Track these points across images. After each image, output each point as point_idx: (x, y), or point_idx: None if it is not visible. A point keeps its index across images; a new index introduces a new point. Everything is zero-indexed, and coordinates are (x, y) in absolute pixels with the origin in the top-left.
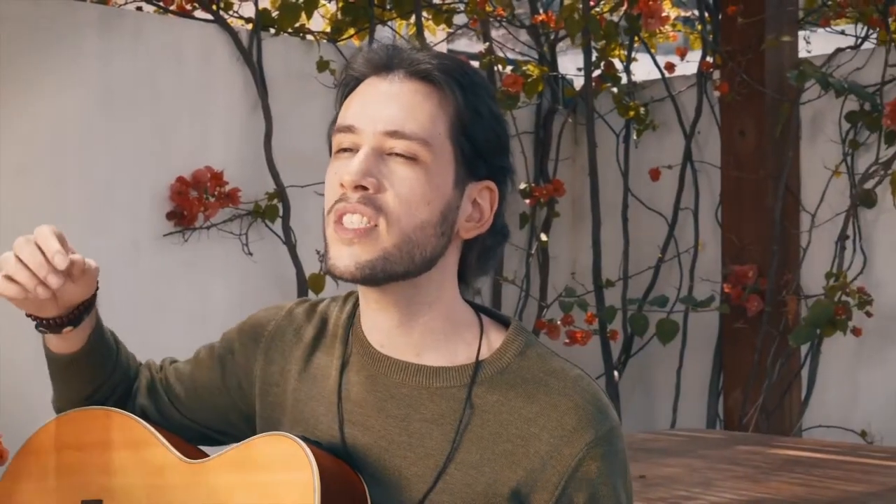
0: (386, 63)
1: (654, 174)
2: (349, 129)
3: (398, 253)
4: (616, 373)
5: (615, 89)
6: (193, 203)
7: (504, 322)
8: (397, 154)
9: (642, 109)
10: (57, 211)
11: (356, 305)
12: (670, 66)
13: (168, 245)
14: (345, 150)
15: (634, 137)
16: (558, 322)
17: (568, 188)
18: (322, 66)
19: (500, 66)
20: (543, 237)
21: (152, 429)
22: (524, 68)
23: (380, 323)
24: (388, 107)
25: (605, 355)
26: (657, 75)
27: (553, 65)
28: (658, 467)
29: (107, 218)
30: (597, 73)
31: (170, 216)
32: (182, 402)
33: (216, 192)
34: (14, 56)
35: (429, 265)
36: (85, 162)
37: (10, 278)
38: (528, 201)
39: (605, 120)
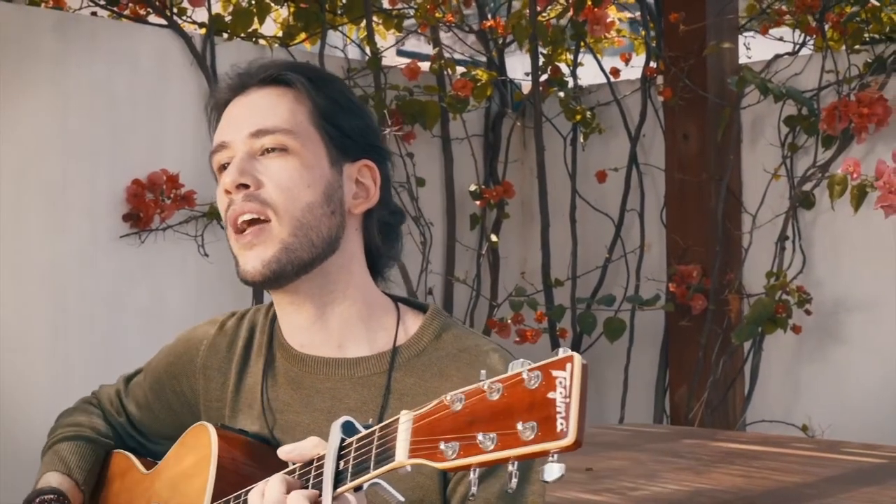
0: (240, 83)
1: (601, 176)
2: (221, 146)
3: (296, 240)
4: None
5: (562, 93)
6: (149, 205)
7: (422, 308)
8: (268, 150)
9: (588, 113)
10: (15, 213)
11: (276, 314)
12: (615, 71)
13: (125, 246)
14: (223, 166)
15: (581, 140)
16: (509, 321)
17: (517, 190)
18: None
19: (449, 71)
20: (494, 238)
21: (131, 455)
22: (473, 73)
23: (297, 323)
24: (248, 114)
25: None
26: (603, 79)
27: (501, 69)
28: (605, 460)
29: (64, 220)
30: (544, 77)
31: (126, 218)
32: (146, 434)
33: (172, 195)
34: None
35: (331, 247)
36: (42, 164)
37: None
38: (478, 203)
39: (553, 123)
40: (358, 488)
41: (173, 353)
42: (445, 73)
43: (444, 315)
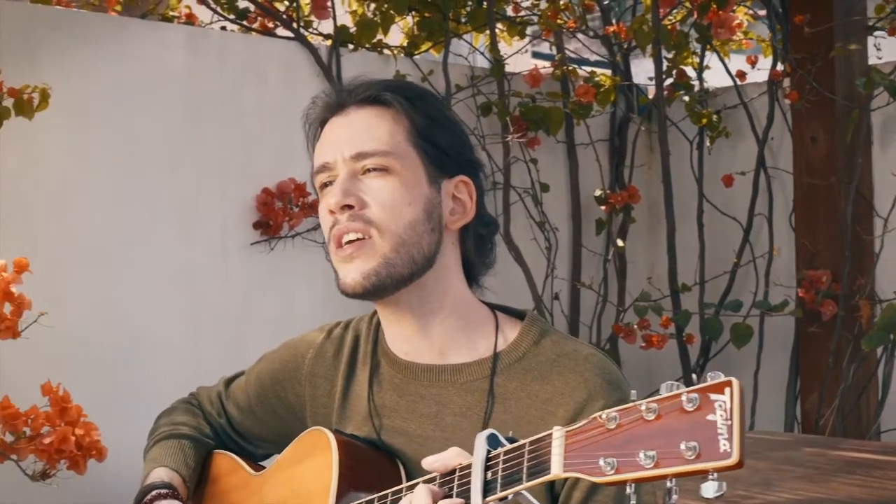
0: (338, 102)
1: (728, 180)
2: (324, 167)
3: (397, 256)
4: (694, 376)
5: (687, 97)
6: (278, 213)
7: (520, 315)
8: (369, 170)
9: (715, 116)
10: (150, 223)
11: (379, 322)
12: (741, 74)
13: (255, 254)
14: (325, 185)
15: (708, 144)
16: (634, 326)
17: (644, 194)
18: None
19: (572, 77)
20: (620, 243)
21: (235, 456)
22: (596, 78)
23: (400, 333)
24: (349, 135)
25: (682, 359)
26: (729, 82)
27: (627, 74)
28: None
29: (197, 228)
30: (669, 81)
31: (256, 226)
32: (245, 437)
33: (300, 203)
34: (102, 77)
35: (429, 262)
36: (175, 175)
37: None
38: (603, 207)
39: (679, 127)
40: (503, 497)
41: (279, 360)
42: (569, 78)
43: (541, 321)
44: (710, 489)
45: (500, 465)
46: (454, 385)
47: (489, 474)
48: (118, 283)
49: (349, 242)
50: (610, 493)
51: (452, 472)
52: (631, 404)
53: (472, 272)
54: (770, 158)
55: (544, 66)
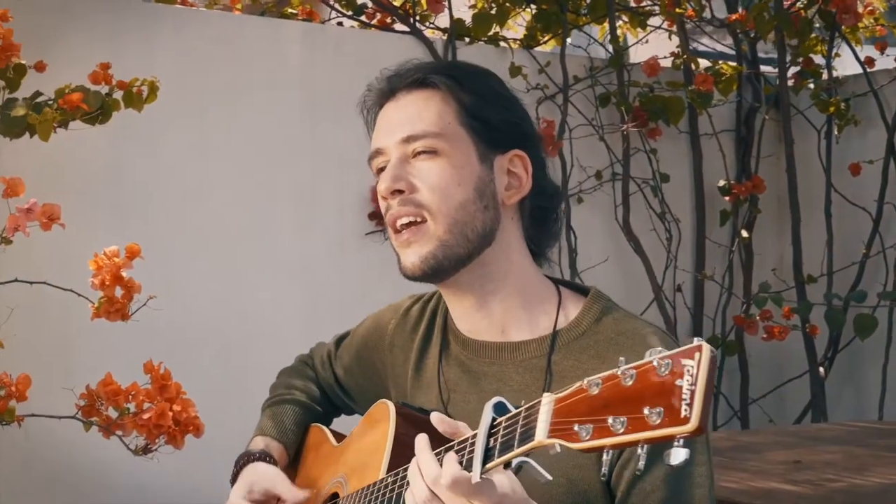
0: (389, 89)
1: (855, 169)
2: (377, 152)
3: (452, 237)
4: (822, 369)
5: (812, 84)
6: None
7: (584, 292)
8: (419, 153)
9: (843, 105)
10: (268, 215)
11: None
12: (870, 61)
13: (370, 243)
14: (380, 170)
15: (836, 133)
16: (756, 318)
17: (772, 185)
18: (514, 71)
19: (694, 66)
20: (744, 234)
21: (325, 429)
22: (717, 67)
23: (462, 311)
24: (399, 120)
25: (808, 351)
26: (858, 69)
27: (753, 63)
28: (818, 454)
29: (314, 218)
30: (796, 69)
31: (371, 216)
32: (351, 395)
33: None
34: (220, 73)
35: (487, 240)
36: (292, 167)
37: None
38: (727, 198)
39: (806, 116)
40: (507, 466)
41: (370, 327)
42: (690, 68)
43: (605, 299)
44: (673, 456)
45: (501, 433)
46: (513, 363)
47: (491, 441)
48: (235, 273)
49: (404, 227)
50: (660, 474)
51: (467, 439)
52: (612, 371)
53: (538, 246)
54: None
55: (664, 57)
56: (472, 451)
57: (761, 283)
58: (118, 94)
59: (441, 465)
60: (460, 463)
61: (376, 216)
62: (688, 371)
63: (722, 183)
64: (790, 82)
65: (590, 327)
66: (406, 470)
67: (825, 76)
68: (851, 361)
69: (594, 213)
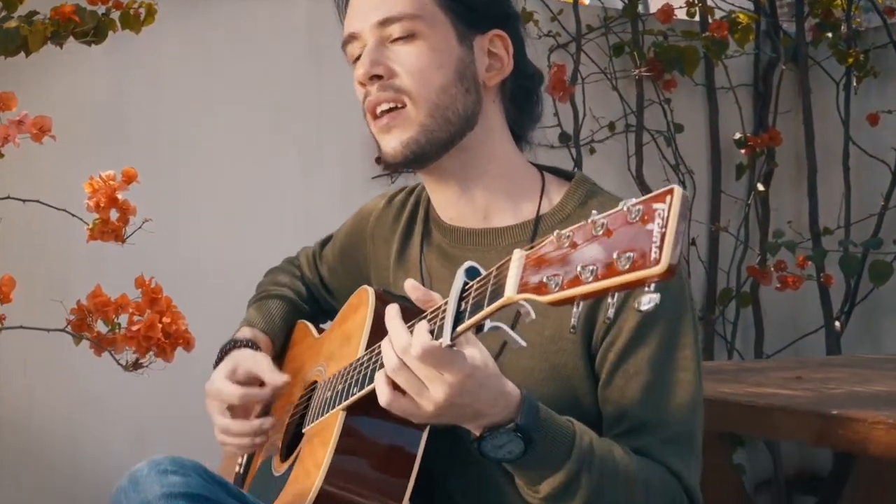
0: None
1: (873, 119)
2: (351, 37)
3: (433, 121)
4: (837, 323)
5: (829, 34)
6: None
7: (569, 177)
8: (396, 38)
9: (862, 56)
10: (272, 158)
11: None
12: (890, 11)
13: (376, 187)
14: (357, 58)
15: (854, 85)
16: (770, 268)
17: (790, 140)
18: (526, 17)
19: (710, 16)
20: (760, 187)
21: (308, 324)
22: (732, 16)
23: (444, 198)
24: (374, 3)
25: (824, 306)
26: (878, 21)
27: (772, 14)
28: (822, 373)
29: (319, 162)
30: (815, 21)
31: (378, 160)
32: (335, 296)
33: None
34: (224, 14)
35: (469, 123)
36: (297, 110)
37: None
38: (743, 151)
39: (824, 67)
40: (479, 330)
41: (352, 224)
42: (706, 17)
43: (589, 183)
44: (644, 300)
45: (472, 294)
46: (496, 249)
47: (462, 305)
48: (238, 220)
49: (384, 113)
50: (644, 356)
51: (439, 307)
52: (582, 222)
53: (520, 129)
54: None
55: (679, 7)
56: (443, 319)
57: (775, 231)
58: (115, 15)
59: (412, 335)
60: (431, 332)
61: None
62: (658, 214)
63: (738, 136)
64: (809, 36)
65: (574, 211)
66: (379, 347)
67: (844, 29)
68: (868, 316)
69: (607, 164)
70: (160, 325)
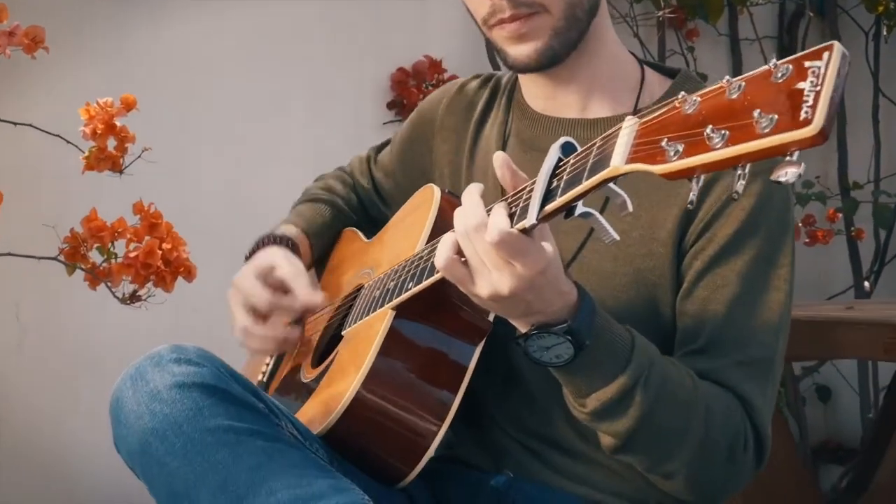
0: None
1: None
2: None
3: (565, 23)
4: (867, 283)
5: None
6: (412, 92)
7: (672, 74)
8: None
9: (892, 4)
10: (282, 103)
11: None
12: None
13: (389, 133)
14: None
15: (885, 34)
16: (799, 223)
17: None
18: None
19: None
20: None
21: (358, 231)
22: None
23: (544, 88)
24: None
25: (853, 264)
26: None
27: None
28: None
29: (330, 107)
30: None
31: (390, 105)
32: (388, 203)
33: (434, 80)
34: None
35: (593, 13)
36: (307, 53)
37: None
38: None
39: (852, 16)
40: (569, 213)
41: (416, 119)
42: None
43: (696, 80)
44: (783, 172)
45: (567, 170)
46: (585, 143)
47: (554, 182)
48: (243, 160)
49: (515, 18)
50: (736, 268)
51: (524, 188)
52: (718, 84)
53: None
54: None
55: None
56: (528, 200)
57: (804, 182)
58: None
59: (487, 214)
60: (511, 215)
61: (395, 105)
62: (812, 72)
63: None
64: None
65: None
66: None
67: None
68: None
69: None
70: (160, 252)
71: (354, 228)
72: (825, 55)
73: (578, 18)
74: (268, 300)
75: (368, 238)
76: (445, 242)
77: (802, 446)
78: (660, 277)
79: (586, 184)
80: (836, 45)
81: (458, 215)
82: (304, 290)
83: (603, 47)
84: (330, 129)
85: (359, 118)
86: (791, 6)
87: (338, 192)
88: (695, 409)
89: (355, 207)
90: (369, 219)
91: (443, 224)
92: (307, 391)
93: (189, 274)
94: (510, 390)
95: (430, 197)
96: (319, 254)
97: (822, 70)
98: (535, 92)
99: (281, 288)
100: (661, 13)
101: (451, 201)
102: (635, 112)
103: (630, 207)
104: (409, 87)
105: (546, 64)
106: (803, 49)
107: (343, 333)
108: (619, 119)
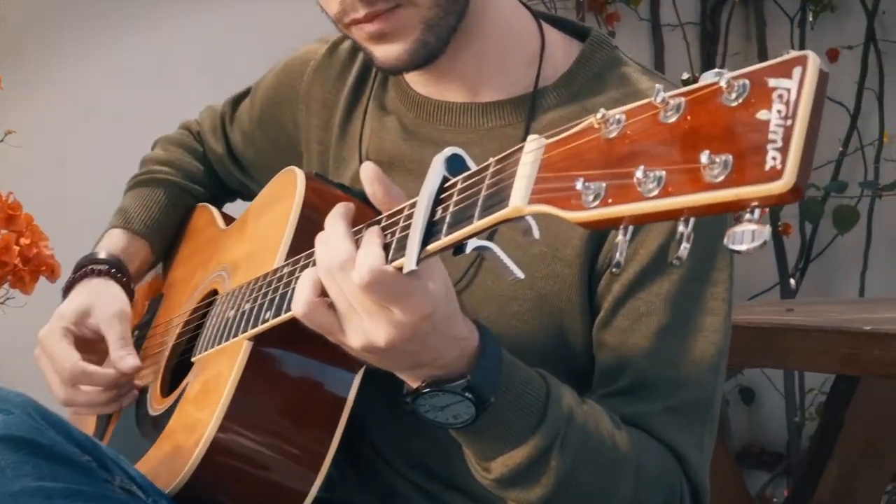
0: None
1: (833, 55)
2: None
3: (438, 10)
4: (793, 281)
5: None
6: None
7: (581, 35)
8: None
9: None
10: (171, 70)
11: None
12: None
13: None
14: None
15: (810, 20)
16: None
17: None
18: None
19: None
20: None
21: (213, 209)
22: None
23: (421, 72)
24: None
25: (779, 261)
26: None
27: None
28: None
29: (227, 76)
30: None
31: None
32: (247, 170)
33: None
34: None
35: None
36: (199, 19)
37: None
38: None
39: (777, 2)
40: (459, 249)
41: (279, 75)
42: None
43: (610, 46)
44: (741, 236)
45: (455, 198)
46: (477, 131)
47: (439, 211)
48: (130, 142)
49: (374, 16)
50: (662, 291)
51: (401, 211)
52: (643, 101)
53: None
54: (881, 31)
55: None
56: (407, 228)
57: None
58: None
59: (356, 246)
60: (386, 246)
61: None
62: (780, 97)
63: (686, 76)
64: None
65: (586, 84)
66: (310, 257)
67: None
68: (825, 272)
69: None
70: (17, 248)
71: (209, 206)
72: (795, 72)
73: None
74: (71, 370)
75: (225, 222)
76: (305, 282)
77: (724, 451)
78: (566, 303)
79: (478, 224)
80: (811, 56)
81: (321, 247)
82: (117, 350)
83: (489, 17)
84: None
85: None
86: None
87: (177, 165)
88: (622, 468)
89: (202, 180)
90: (227, 190)
91: (308, 222)
92: (155, 428)
93: (52, 273)
94: (398, 418)
95: (291, 185)
96: (164, 249)
97: (794, 95)
98: (415, 77)
99: (100, 338)
100: None
101: (319, 191)
102: (535, 91)
103: (536, 234)
104: None
105: (422, 63)
106: (727, 36)
107: (193, 360)
108: (515, 103)
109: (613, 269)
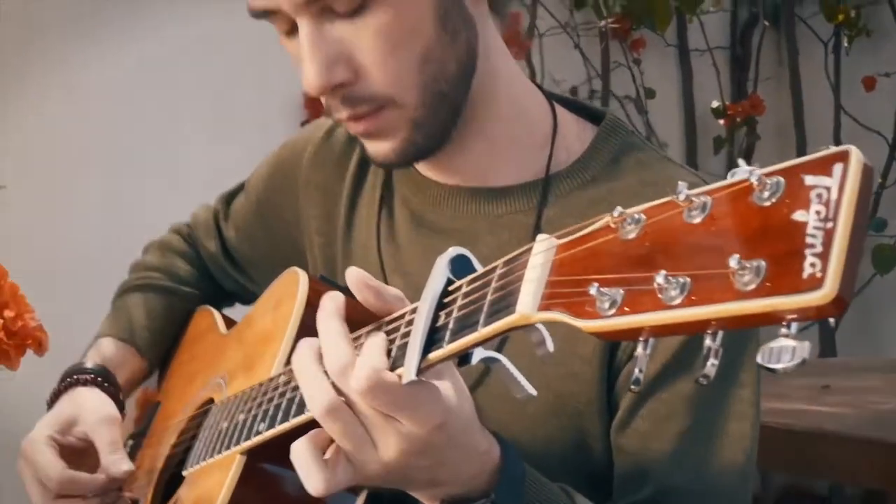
0: None
1: (869, 83)
2: (265, 12)
3: (426, 110)
4: (831, 319)
5: None
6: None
7: (596, 117)
8: (341, 14)
9: (853, 13)
10: (178, 124)
11: None
12: None
13: None
14: (286, 32)
15: (845, 45)
16: None
17: (772, 110)
18: None
19: None
20: (741, 162)
21: (214, 312)
22: None
23: (433, 158)
24: None
25: None
26: None
27: None
28: (852, 380)
29: (232, 129)
30: None
31: (304, 125)
32: (243, 267)
33: None
34: None
35: (467, 74)
36: (203, 65)
37: None
38: (722, 122)
39: (810, 25)
40: (464, 362)
41: (274, 164)
42: None
43: (625, 131)
44: (778, 354)
45: (458, 303)
46: (487, 218)
47: (442, 317)
48: (133, 189)
49: (359, 118)
50: (684, 392)
51: (402, 316)
52: (668, 198)
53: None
54: None
55: None
56: (408, 336)
57: None
58: None
59: (357, 353)
60: (388, 352)
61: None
62: (818, 196)
63: (716, 104)
64: None
65: (602, 170)
66: None
67: None
68: (865, 310)
69: None
70: (1, 321)
71: (210, 309)
72: (835, 169)
73: (445, 94)
74: (58, 479)
75: (226, 326)
76: (299, 448)
77: (765, 492)
78: (586, 405)
79: (483, 332)
80: (854, 151)
81: (309, 368)
82: (108, 455)
83: (500, 100)
84: (232, 156)
85: (266, 142)
86: (744, 14)
87: (162, 269)
88: None
89: (200, 285)
90: (223, 293)
91: (310, 328)
92: None
93: (40, 347)
94: None
95: (293, 288)
96: (157, 357)
97: (835, 194)
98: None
99: (87, 446)
100: (604, 23)
101: (322, 291)
102: (547, 178)
103: (550, 347)
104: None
105: (413, 160)
106: (757, 61)
107: (184, 473)
108: (526, 190)
109: (633, 387)
